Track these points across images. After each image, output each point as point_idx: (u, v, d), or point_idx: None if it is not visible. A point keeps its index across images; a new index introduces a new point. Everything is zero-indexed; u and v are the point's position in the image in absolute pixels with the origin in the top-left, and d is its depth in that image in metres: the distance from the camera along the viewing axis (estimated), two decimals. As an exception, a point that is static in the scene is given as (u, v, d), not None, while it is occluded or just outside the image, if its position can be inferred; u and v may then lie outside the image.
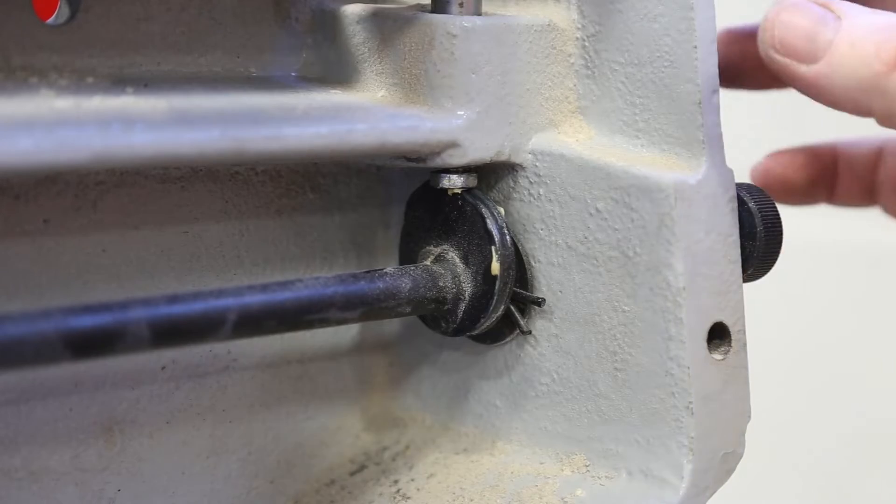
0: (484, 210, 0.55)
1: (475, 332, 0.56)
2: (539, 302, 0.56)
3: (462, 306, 0.55)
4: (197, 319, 0.48)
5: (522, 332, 0.56)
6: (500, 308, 0.55)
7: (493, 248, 0.54)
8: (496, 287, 0.54)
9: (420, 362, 0.61)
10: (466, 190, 0.55)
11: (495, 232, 0.55)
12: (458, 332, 0.56)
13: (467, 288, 0.55)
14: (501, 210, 0.56)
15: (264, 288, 0.50)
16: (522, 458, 0.57)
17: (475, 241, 0.55)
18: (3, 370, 0.44)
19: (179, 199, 0.55)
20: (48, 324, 0.44)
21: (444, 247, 0.56)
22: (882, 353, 1.35)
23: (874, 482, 1.35)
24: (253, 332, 0.50)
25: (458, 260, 0.55)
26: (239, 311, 0.49)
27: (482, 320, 0.55)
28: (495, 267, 0.54)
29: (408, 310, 0.54)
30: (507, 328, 0.57)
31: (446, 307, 0.55)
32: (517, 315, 0.56)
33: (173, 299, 0.47)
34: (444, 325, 0.56)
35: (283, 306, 0.50)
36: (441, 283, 0.55)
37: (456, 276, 0.55)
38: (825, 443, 1.35)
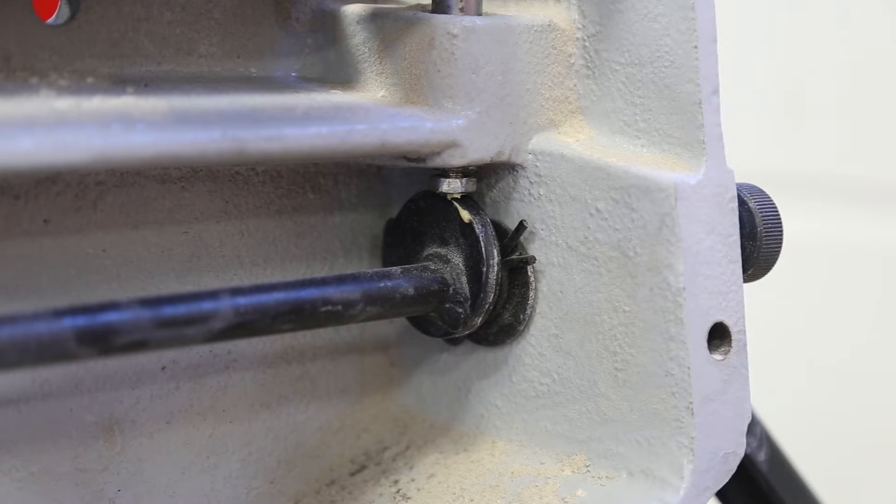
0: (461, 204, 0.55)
1: (479, 323, 0.56)
2: (530, 260, 0.56)
3: (463, 288, 0.55)
4: (199, 317, 0.48)
5: (529, 262, 0.56)
6: (494, 273, 0.55)
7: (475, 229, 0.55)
8: (480, 246, 0.55)
9: (420, 363, 0.61)
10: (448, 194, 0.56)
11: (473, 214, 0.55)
12: (466, 321, 0.55)
13: (464, 279, 0.55)
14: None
15: (266, 287, 0.50)
16: (523, 459, 0.57)
17: (459, 233, 0.55)
18: (7, 368, 0.44)
19: (179, 199, 0.55)
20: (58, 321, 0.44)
21: (436, 247, 0.56)
22: (882, 353, 1.35)
23: (876, 480, 1.35)
24: (258, 331, 0.50)
25: (449, 255, 0.56)
26: (243, 310, 0.49)
27: (481, 297, 0.55)
28: (464, 214, 0.55)
29: (413, 307, 0.54)
30: (507, 329, 0.57)
31: (449, 304, 0.55)
32: (515, 259, 0.56)
33: (175, 298, 0.47)
34: (449, 320, 0.56)
35: (288, 305, 0.50)
36: (444, 278, 0.55)
37: (454, 270, 0.55)
38: (825, 442, 1.35)
